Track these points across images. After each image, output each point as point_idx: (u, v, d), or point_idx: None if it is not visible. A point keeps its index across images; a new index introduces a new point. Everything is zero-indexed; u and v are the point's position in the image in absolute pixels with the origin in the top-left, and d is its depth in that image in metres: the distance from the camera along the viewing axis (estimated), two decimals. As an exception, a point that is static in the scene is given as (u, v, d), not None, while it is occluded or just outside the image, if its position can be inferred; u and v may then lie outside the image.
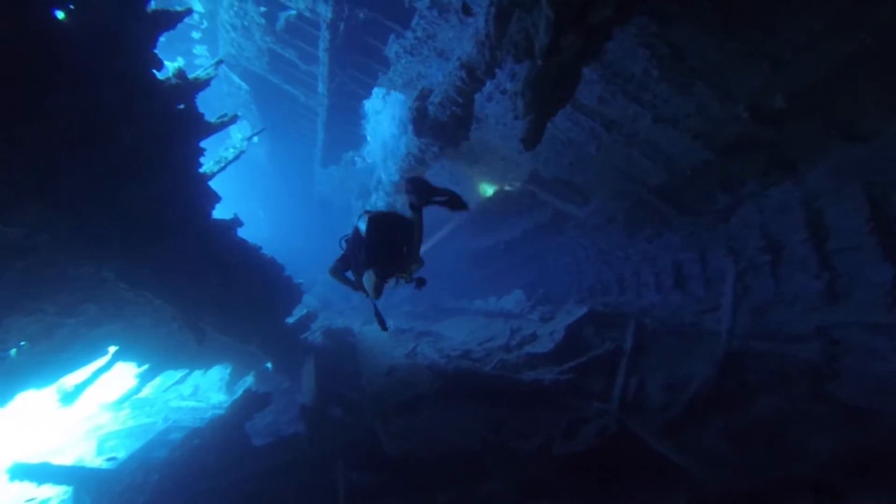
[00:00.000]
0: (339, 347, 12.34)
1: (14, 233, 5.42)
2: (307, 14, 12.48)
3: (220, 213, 8.06)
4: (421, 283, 4.56)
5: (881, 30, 5.05)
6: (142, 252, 6.55)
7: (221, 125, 7.58)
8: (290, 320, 11.68)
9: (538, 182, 10.76)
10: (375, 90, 11.39)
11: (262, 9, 13.69)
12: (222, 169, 8.48)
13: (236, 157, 8.84)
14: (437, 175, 11.53)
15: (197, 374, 14.51)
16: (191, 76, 6.80)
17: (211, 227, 7.87)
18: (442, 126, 8.91)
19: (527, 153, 9.06)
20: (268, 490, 7.46)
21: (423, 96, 8.96)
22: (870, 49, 5.25)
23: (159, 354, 10.24)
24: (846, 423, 5.76)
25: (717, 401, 6.92)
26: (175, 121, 6.52)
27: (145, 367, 10.62)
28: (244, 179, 30.10)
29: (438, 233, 15.91)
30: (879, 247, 6.16)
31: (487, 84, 7.56)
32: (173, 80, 6.47)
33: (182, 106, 6.64)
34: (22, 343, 7.42)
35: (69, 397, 9.30)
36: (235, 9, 14.65)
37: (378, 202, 13.92)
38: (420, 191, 4.18)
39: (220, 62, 7.66)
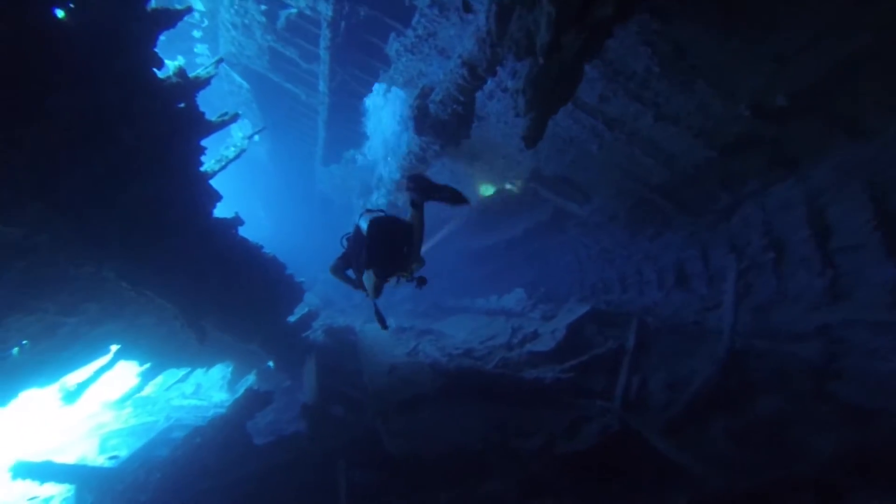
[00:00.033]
0: (340, 346, 12.33)
1: (14, 233, 5.41)
2: (308, 12, 12.46)
3: (221, 211, 8.04)
4: (422, 282, 4.57)
5: (881, 29, 5.03)
6: (143, 251, 6.54)
7: (222, 124, 7.56)
8: (291, 319, 11.67)
9: (540, 180, 10.74)
10: (376, 86, 11.35)
11: (263, 7, 13.67)
12: (223, 167, 8.46)
13: (237, 156, 8.82)
14: (439, 173, 11.51)
15: (199, 372, 14.50)
16: (191, 75, 6.78)
17: (212, 226, 7.86)
18: (443, 124, 8.90)
19: (528, 151, 9.09)
20: (269, 489, 7.46)
21: (424, 94, 8.94)
22: (871, 48, 5.23)
23: (161, 353, 10.24)
24: (847, 422, 5.74)
25: (718, 400, 6.90)
26: (176, 119, 6.51)
27: (147, 365, 10.61)
28: (245, 178, 30.11)
29: (440, 233, 15.90)
30: (882, 245, 6.14)
31: (488, 82, 7.55)
32: (174, 79, 6.45)
33: (183, 104, 6.62)
34: (24, 342, 7.42)
35: (71, 396, 9.30)
36: (236, 7, 14.62)
37: (379, 200, 13.90)
38: (421, 188, 4.22)
39: (220, 60, 7.64)
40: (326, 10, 11.10)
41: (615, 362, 8.65)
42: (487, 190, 12.82)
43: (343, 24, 11.13)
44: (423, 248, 4.57)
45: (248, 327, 9.85)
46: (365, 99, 12.09)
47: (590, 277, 13.22)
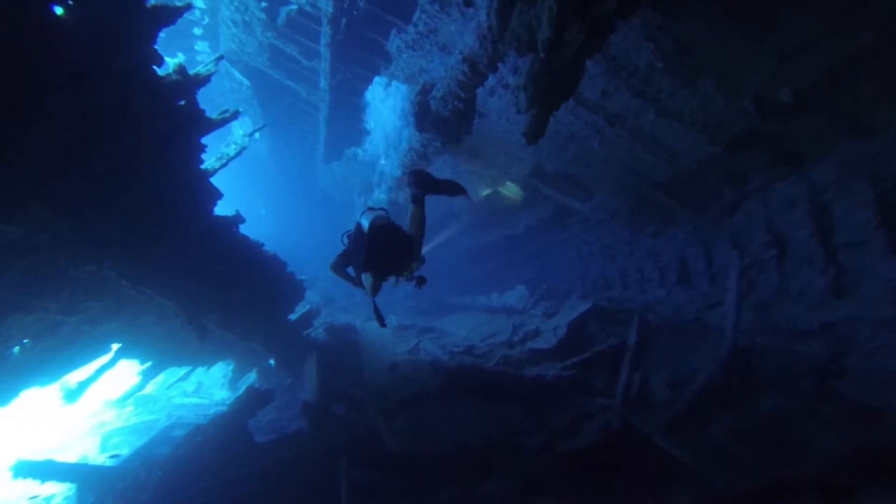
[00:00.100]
0: (341, 344, 12.31)
1: (15, 232, 5.39)
2: (308, 9, 12.42)
3: (222, 209, 8.02)
4: (421, 281, 4.58)
5: (885, 26, 4.99)
6: (143, 250, 6.53)
7: (223, 121, 7.53)
8: (292, 317, 11.66)
9: (541, 177, 10.70)
10: (377, 79, 11.30)
11: (263, 4, 13.62)
12: (224, 165, 8.43)
13: (238, 154, 8.79)
14: (440, 170, 11.47)
15: (200, 370, 14.50)
16: (191, 72, 6.76)
17: (213, 224, 7.84)
18: (444, 121, 8.85)
19: (529, 148, 9.03)
20: (270, 487, 7.46)
21: (425, 91, 8.89)
22: (874, 45, 5.19)
23: (162, 351, 10.23)
24: (851, 420, 5.72)
25: (721, 398, 6.89)
26: (176, 117, 6.48)
27: (148, 364, 10.61)
28: (246, 176, 30.10)
29: (441, 234, 15.90)
30: (885, 242, 6.09)
31: (490, 78, 7.50)
32: (174, 76, 6.42)
33: (183, 102, 6.60)
34: (25, 341, 7.41)
35: (72, 395, 9.30)
36: (236, 4, 14.58)
37: (380, 197, 13.87)
38: (421, 182, 4.29)
39: (220, 58, 7.61)
40: (327, 7, 11.05)
41: (617, 360, 8.63)
42: (488, 192, 12.88)
43: (344, 20, 11.08)
44: (424, 249, 4.57)
45: (249, 325, 9.84)
46: (366, 93, 12.05)
47: (591, 274, 13.18)
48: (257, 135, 10.41)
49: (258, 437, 8.67)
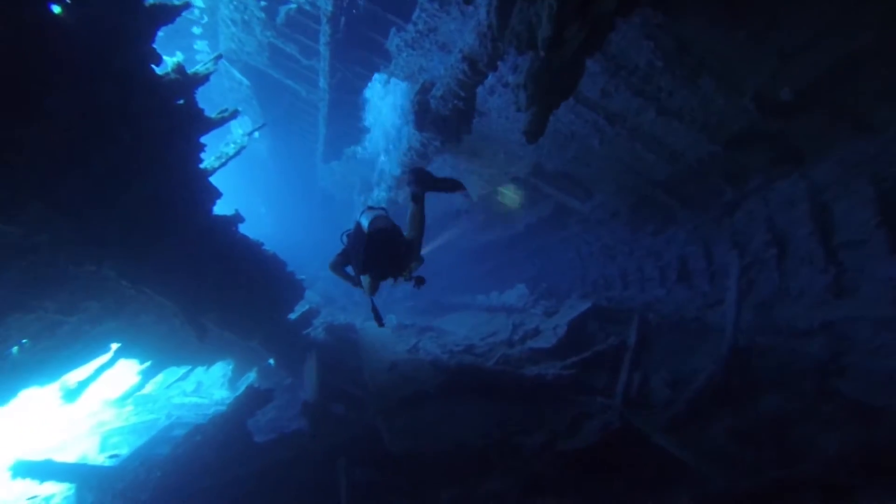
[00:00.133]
0: (341, 343, 12.30)
1: (14, 232, 5.38)
2: (307, 8, 12.40)
3: (221, 208, 8.00)
4: (420, 281, 4.60)
5: (886, 24, 4.97)
6: (142, 249, 6.51)
7: (222, 120, 7.51)
8: (292, 316, 11.65)
9: (541, 176, 10.68)
10: (376, 76, 11.27)
11: (263, 3, 13.59)
12: (223, 164, 8.41)
13: (237, 153, 8.77)
14: (440, 169, 11.44)
15: (199, 370, 14.48)
16: (190, 71, 6.74)
17: (212, 224, 7.82)
18: (444, 120, 8.83)
19: (529, 146, 9.03)
20: (270, 487, 7.45)
21: (425, 90, 8.88)
22: (875, 44, 5.17)
23: (161, 351, 10.22)
24: (852, 420, 5.71)
25: (721, 397, 6.87)
26: (175, 116, 6.46)
27: (147, 363, 10.60)
28: (246, 175, 30.07)
29: (440, 237, 15.90)
30: (887, 241, 6.08)
31: (489, 77, 7.48)
32: (172, 76, 6.40)
33: (182, 101, 6.58)
34: (24, 341, 7.40)
35: (72, 394, 9.29)
36: (235, 3, 14.55)
37: (380, 196, 13.85)
38: (421, 180, 4.33)
39: (219, 57, 7.58)
40: (326, 5, 11.02)
41: (617, 359, 8.62)
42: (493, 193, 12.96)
43: (343, 19, 11.05)
44: (424, 250, 4.58)
45: (248, 325, 9.82)
46: (365, 90, 12.02)
47: (591, 273, 13.17)
48: (256, 134, 10.40)
49: (258, 436, 8.65)
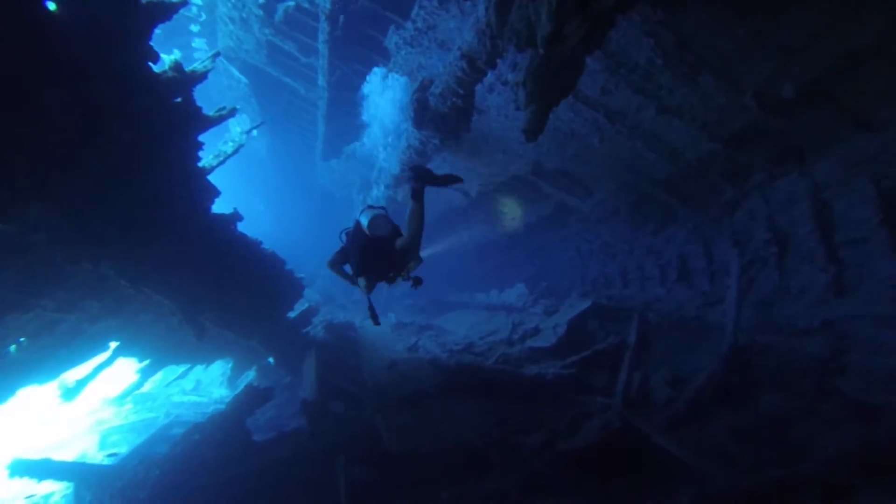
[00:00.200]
0: (340, 342, 12.29)
1: (10, 230, 5.36)
2: (306, 5, 12.37)
3: (221, 207, 7.98)
4: (417, 282, 4.62)
5: (888, 21, 4.94)
6: (141, 248, 6.48)
7: (220, 118, 7.48)
8: (291, 315, 11.63)
9: (541, 174, 10.66)
10: (375, 69, 11.23)
11: (261, 0, 13.55)
12: (221, 163, 8.38)
13: (235, 151, 8.74)
14: (439, 168, 11.38)
15: (199, 368, 14.49)
16: (188, 69, 6.70)
17: (210, 222, 7.79)
18: (443, 118, 8.80)
19: (529, 145, 8.99)
20: (268, 485, 7.43)
21: (424, 87, 8.85)
22: (877, 41, 5.13)
23: (161, 349, 10.21)
24: (853, 419, 5.69)
25: (721, 396, 6.85)
26: (172, 114, 6.43)
27: (147, 362, 10.58)
28: (244, 173, 30.04)
29: (442, 242, 15.96)
30: (888, 239, 6.05)
31: (489, 75, 7.46)
32: (170, 73, 6.36)
33: (179, 99, 6.55)
34: (21, 339, 7.38)
35: (70, 393, 9.27)
36: (234, 1, 14.51)
37: (379, 195, 13.83)
38: (420, 176, 4.35)
39: (217, 54, 7.55)
40: (325, 3, 10.99)
41: (617, 358, 8.59)
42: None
43: (342, 17, 11.02)
44: (424, 253, 4.59)
45: (247, 323, 9.80)
46: (363, 86, 11.99)
47: (591, 272, 13.14)
48: (255, 132, 10.38)
49: (257, 435, 8.64)
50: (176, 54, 6.93)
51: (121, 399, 14.32)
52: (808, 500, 4.77)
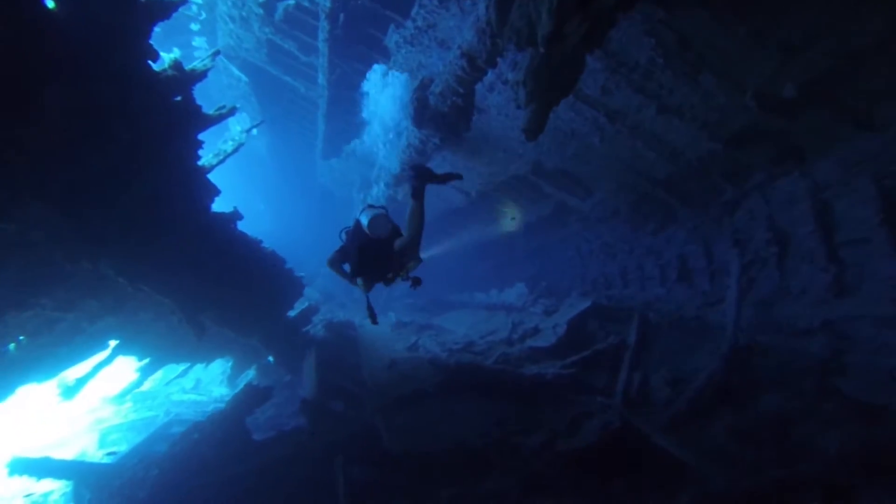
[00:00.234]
0: (340, 341, 12.28)
1: (8, 229, 5.35)
2: (306, 4, 12.35)
3: (221, 206, 7.97)
4: (416, 282, 4.63)
5: (888, 22, 4.92)
6: (140, 247, 6.47)
7: (220, 117, 7.47)
8: (291, 313, 11.62)
9: (541, 174, 10.64)
10: (375, 66, 11.21)
11: (261, -1, 13.55)
12: (221, 162, 8.38)
13: (235, 150, 8.72)
14: (439, 167, 11.38)
15: (199, 367, 14.47)
16: (188, 67, 6.69)
17: (210, 221, 7.78)
18: (443, 117, 8.80)
19: (529, 144, 8.98)
20: (268, 484, 7.42)
21: (424, 86, 8.84)
22: (879, 40, 5.12)
23: (160, 348, 10.20)
24: (853, 419, 5.68)
25: (722, 396, 6.84)
26: (172, 113, 6.41)
27: (146, 360, 10.58)
28: (244, 172, 30.03)
29: (441, 245, 15.97)
30: (889, 239, 6.03)
31: (489, 74, 7.45)
32: (169, 72, 6.35)
33: (179, 98, 6.53)
34: (21, 338, 7.37)
35: (70, 391, 9.27)
36: (234, -1, 14.51)
37: (379, 194, 13.82)
38: (421, 174, 4.39)
39: (217, 53, 7.54)
40: (325, 2, 10.97)
41: (617, 358, 8.58)
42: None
43: (342, 15, 11.00)
44: (424, 255, 4.60)
45: (247, 322, 9.79)
46: (363, 83, 11.97)
47: (591, 272, 13.13)
48: (255, 131, 10.38)
49: (256, 434, 8.63)
50: (176, 53, 6.92)
51: (120, 397, 14.30)
52: (809, 500, 4.77)
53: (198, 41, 21.89)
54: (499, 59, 6.66)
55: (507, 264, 17.31)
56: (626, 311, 9.83)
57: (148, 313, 8.44)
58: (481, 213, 14.54)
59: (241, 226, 8.59)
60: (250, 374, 13.98)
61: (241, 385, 10.22)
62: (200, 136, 7.02)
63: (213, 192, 7.67)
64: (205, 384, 17.38)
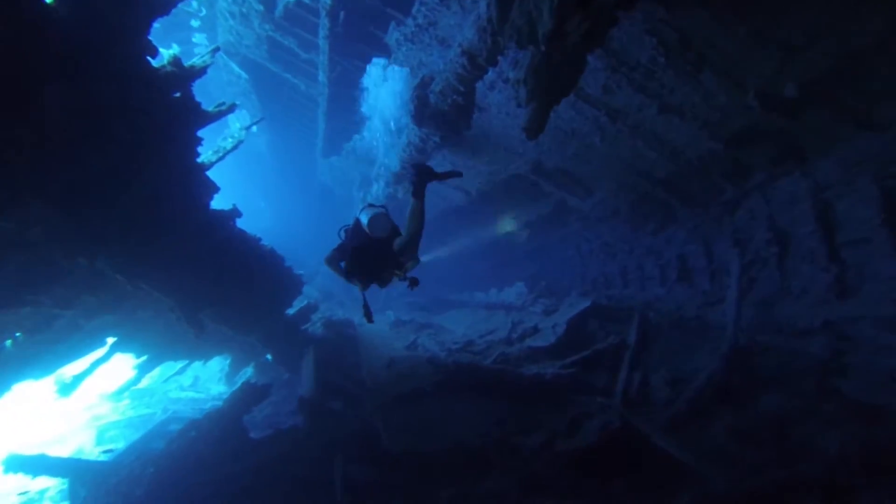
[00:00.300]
0: (339, 339, 12.25)
1: (9, 227, 5.32)
2: (306, 1, 12.30)
3: (222, 203, 7.95)
4: (414, 283, 4.61)
5: (890, 21, 4.90)
6: (139, 245, 6.44)
7: (219, 114, 7.43)
8: (290, 311, 11.59)
9: (541, 173, 10.61)
10: (375, 60, 11.16)
11: (261, -5, 13.51)
12: (220, 159, 8.34)
13: (235, 147, 8.69)
14: (439, 166, 11.33)
15: (197, 364, 14.46)
16: (187, 64, 6.65)
17: (209, 218, 7.75)
18: (443, 115, 8.76)
19: (530, 143, 8.95)
20: (265, 483, 7.40)
21: (424, 84, 8.81)
22: (881, 39, 5.10)
23: (159, 345, 10.18)
24: (854, 420, 5.66)
25: (722, 396, 6.82)
26: (171, 110, 6.38)
27: (144, 357, 10.55)
28: (244, 170, 29.99)
29: (442, 242, 15.96)
30: (890, 240, 6.02)
31: (490, 73, 7.41)
32: (169, 68, 6.32)
33: (178, 94, 6.50)
34: (17, 334, 7.35)
35: (67, 388, 9.25)
36: (234, -5, 14.47)
37: (379, 192, 13.78)
38: (421, 174, 4.36)
39: (216, 49, 7.50)
40: (325, -1, 10.94)
41: (616, 358, 8.55)
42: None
43: (342, 12, 10.96)
44: (424, 258, 4.59)
45: (246, 320, 9.76)
46: (363, 79, 11.92)
47: (591, 272, 13.12)
48: (254, 128, 10.35)
49: (254, 432, 8.60)
50: (175, 49, 6.88)
51: (118, 394, 14.31)
52: (809, 500, 4.76)
53: (198, 37, 21.84)
54: (500, 58, 6.62)
55: (506, 263, 17.29)
56: (625, 311, 9.81)
57: (146, 311, 8.41)
58: (481, 213, 14.50)
59: (241, 223, 8.56)
60: (248, 372, 13.95)
61: (239, 383, 10.18)
62: (200, 133, 6.99)
63: (213, 189, 7.63)
64: (203, 381, 17.36)
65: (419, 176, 4.32)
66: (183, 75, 6.47)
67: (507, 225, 14.21)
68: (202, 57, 7.03)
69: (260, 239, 9.27)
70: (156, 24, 5.74)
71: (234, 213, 8.34)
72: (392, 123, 10.99)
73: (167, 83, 6.28)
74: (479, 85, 7.90)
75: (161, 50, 6.03)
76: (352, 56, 12.32)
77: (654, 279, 10.50)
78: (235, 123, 23.20)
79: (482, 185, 12.28)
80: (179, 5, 6.07)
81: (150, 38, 5.70)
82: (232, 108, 7.69)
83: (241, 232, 8.71)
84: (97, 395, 16.89)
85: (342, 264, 4.69)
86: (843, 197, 6.57)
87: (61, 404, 11.43)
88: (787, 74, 5.79)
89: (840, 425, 5.66)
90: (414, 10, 8.39)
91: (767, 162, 7.32)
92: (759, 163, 7.42)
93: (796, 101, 5.96)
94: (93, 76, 5.08)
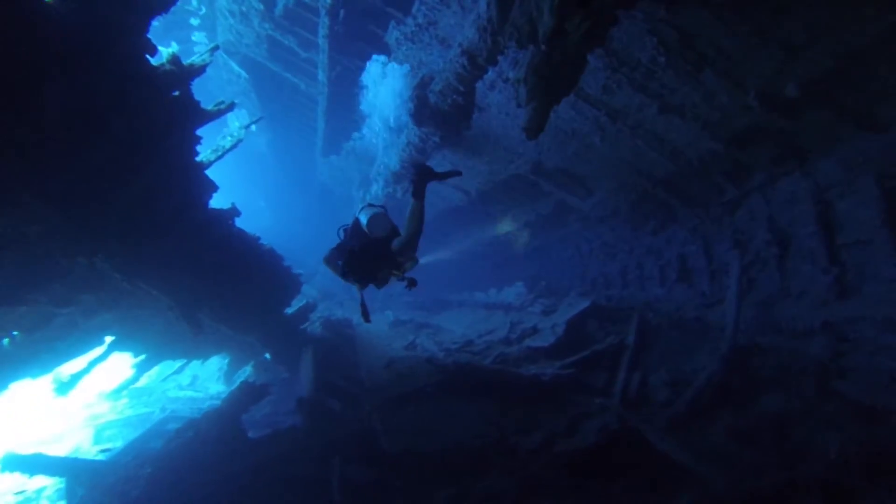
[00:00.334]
0: (338, 339, 12.24)
1: (6, 225, 5.31)
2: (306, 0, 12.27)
3: (221, 202, 7.92)
4: (412, 283, 4.60)
5: (889, 22, 4.88)
6: (137, 244, 6.43)
7: (218, 113, 7.41)
8: (289, 311, 11.57)
9: (541, 173, 10.60)
10: (374, 57, 11.15)
11: (261, -6, 13.47)
12: (219, 157, 8.31)
13: (234, 146, 8.66)
14: (439, 166, 11.32)
15: (195, 363, 14.41)
16: (186, 62, 6.63)
17: (208, 217, 7.73)
18: (443, 115, 8.75)
19: (529, 143, 8.94)
20: (263, 483, 7.38)
21: (424, 84, 8.79)
22: (882, 39, 5.08)
23: (157, 344, 10.15)
24: (854, 421, 5.66)
25: (721, 397, 6.81)
26: (170, 108, 6.36)
27: (142, 356, 10.52)
28: (244, 169, 29.96)
29: (441, 242, 15.95)
30: (891, 241, 6.01)
31: (490, 72, 7.40)
32: (167, 67, 6.30)
33: (177, 93, 6.48)
34: (14, 333, 7.33)
35: (64, 387, 9.21)
36: (233, -6, 14.44)
37: (378, 192, 13.76)
38: (422, 172, 4.37)
39: (215, 48, 7.47)
40: (325, -3, 10.92)
41: (616, 358, 8.55)
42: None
43: (342, 11, 10.94)
44: (424, 260, 4.59)
45: (244, 319, 9.75)
46: (362, 77, 11.90)
47: (591, 272, 13.10)
48: (254, 127, 10.33)
49: (253, 431, 8.58)
50: (174, 47, 6.86)
51: (116, 393, 14.26)
52: (809, 501, 4.74)
53: (197, 36, 21.81)
54: (500, 57, 6.61)
55: (505, 263, 17.27)
56: (625, 311, 9.81)
57: (145, 309, 8.39)
58: (481, 213, 14.49)
59: (240, 222, 8.54)
60: (247, 371, 13.91)
61: (238, 382, 10.16)
62: (199, 132, 6.97)
63: (212, 188, 7.62)
64: (201, 381, 17.31)
65: (419, 176, 4.32)
66: (182, 74, 6.44)
67: (506, 225, 14.19)
68: (201, 55, 7.00)
69: (259, 238, 9.25)
70: (155, 23, 5.72)
71: (233, 212, 8.33)
72: (392, 121, 10.95)
73: (166, 82, 6.25)
74: (479, 85, 7.89)
75: (160, 48, 6.01)
76: (352, 55, 12.29)
77: (653, 279, 10.49)
78: (235, 122, 23.18)
79: (482, 184, 12.27)
80: (179, 3, 6.07)
81: (149, 36, 5.67)
82: (231, 107, 7.66)
83: (240, 231, 8.69)
84: (95, 393, 16.83)
85: (339, 263, 4.68)
86: (844, 197, 6.56)
87: (59, 403, 11.40)
88: (788, 74, 5.78)
89: (840, 426, 5.65)
90: (414, 9, 8.38)
91: (768, 162, 7.30)
92: (760, 163, 7.41)
93: (797, 101, 5.95)
94: (91, 75, 5.06)
